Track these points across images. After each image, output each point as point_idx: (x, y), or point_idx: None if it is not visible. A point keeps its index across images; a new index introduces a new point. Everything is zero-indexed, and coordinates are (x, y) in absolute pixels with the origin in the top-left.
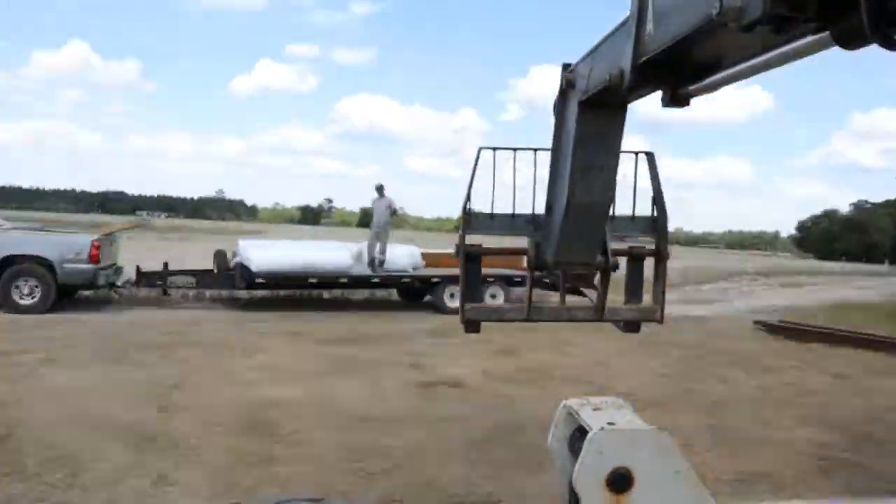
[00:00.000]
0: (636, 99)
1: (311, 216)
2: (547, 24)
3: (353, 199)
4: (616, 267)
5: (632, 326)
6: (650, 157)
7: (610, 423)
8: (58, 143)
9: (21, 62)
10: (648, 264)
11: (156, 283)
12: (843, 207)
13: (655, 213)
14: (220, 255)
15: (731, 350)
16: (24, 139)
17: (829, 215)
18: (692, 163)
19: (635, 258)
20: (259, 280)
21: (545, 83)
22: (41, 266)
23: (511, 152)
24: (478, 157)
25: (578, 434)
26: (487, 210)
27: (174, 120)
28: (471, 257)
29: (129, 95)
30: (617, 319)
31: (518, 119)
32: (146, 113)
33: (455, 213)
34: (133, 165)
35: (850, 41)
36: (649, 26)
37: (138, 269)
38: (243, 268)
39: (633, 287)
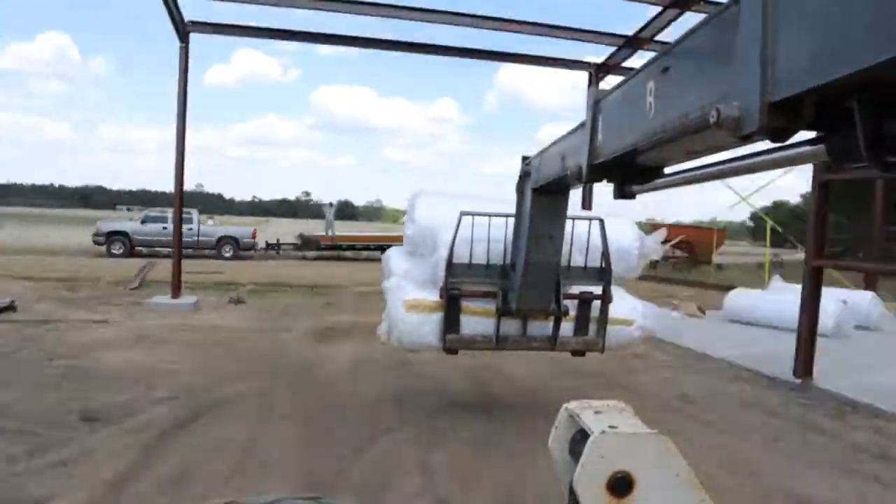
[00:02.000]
0: (579, 187)
1: (290, 210)
2: (523, 18)
3: (331, 191)
4: (566, 312)
5: (578, 354)
6: (601, 222)
7: (611, 427)
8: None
9: None
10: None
11: None
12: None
13: (603, 265)
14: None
15: None
16: None
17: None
18: None
19: (584, 301)
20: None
21: (522, 76)
22: None
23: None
24: (459, 221)
25: (579, 437)
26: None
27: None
28: (452, 299)
29: (101, 87)
30: (567, 349)
31: (496, 110)
32: (118, 105)
33: None
34: (109, 159)
35: (845, 159)
36: (600, 137)
37: None
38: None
39: (581, 323)
